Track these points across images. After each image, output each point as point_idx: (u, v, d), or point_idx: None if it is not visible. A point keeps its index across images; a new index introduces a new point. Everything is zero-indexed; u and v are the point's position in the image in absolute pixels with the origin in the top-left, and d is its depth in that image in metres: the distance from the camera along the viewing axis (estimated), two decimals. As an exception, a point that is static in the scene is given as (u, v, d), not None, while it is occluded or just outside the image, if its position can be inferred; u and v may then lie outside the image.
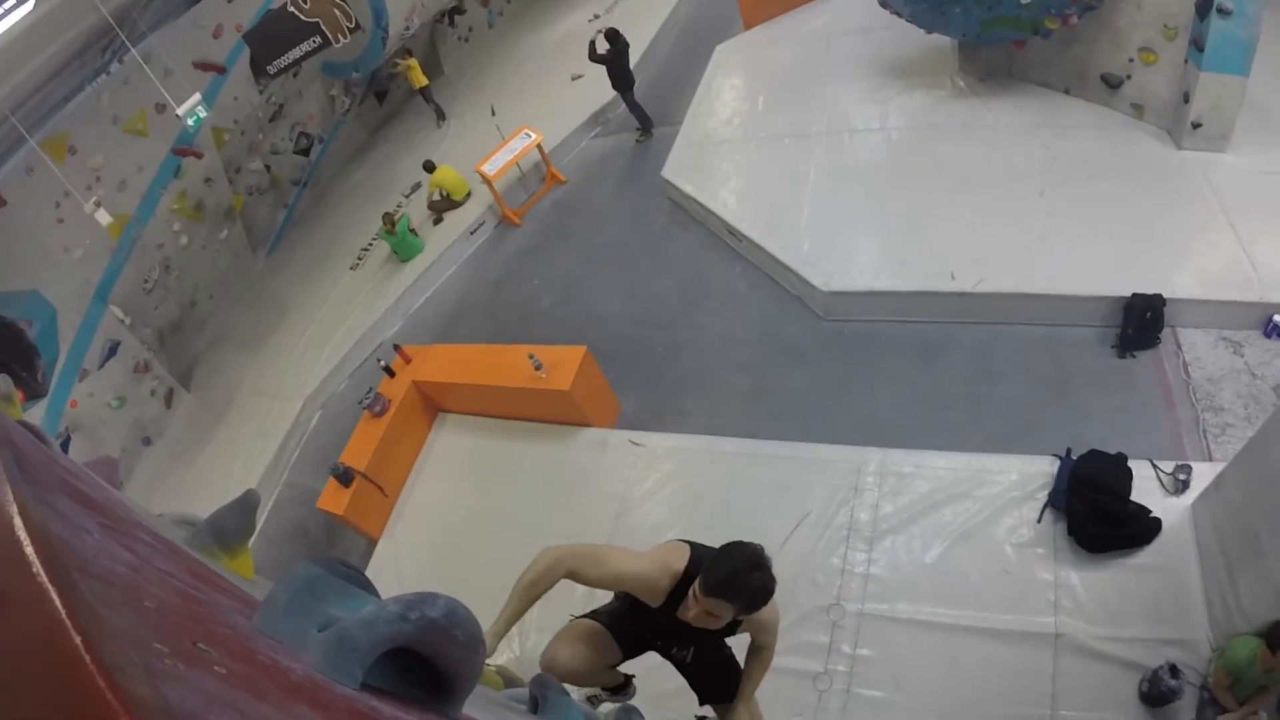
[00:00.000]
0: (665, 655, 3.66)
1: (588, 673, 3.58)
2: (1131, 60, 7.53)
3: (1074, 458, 4.92)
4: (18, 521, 0.77)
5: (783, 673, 4.63)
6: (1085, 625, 4.14)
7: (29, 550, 0.72)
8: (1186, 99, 7.05)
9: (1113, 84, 7.83)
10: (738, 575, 2.99)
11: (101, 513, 1.17)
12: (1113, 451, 4.84)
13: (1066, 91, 8.44)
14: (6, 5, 6.36)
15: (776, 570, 5.11)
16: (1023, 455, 5.23)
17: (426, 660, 1.23)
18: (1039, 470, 5.04)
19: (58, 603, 0.65)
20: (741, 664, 3.70)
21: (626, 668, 3.81)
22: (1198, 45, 6.70)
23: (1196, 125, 7.08)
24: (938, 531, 4.98)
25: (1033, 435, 5.53)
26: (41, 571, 0.69)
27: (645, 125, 12.85)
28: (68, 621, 0.62)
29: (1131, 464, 4.72)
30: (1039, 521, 4.75)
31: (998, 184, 7.69)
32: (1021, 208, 7.30)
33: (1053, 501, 4.79)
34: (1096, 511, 4.51)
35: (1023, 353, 6.37)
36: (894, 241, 7.66)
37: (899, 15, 8.95)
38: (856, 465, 5.64)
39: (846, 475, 5.60)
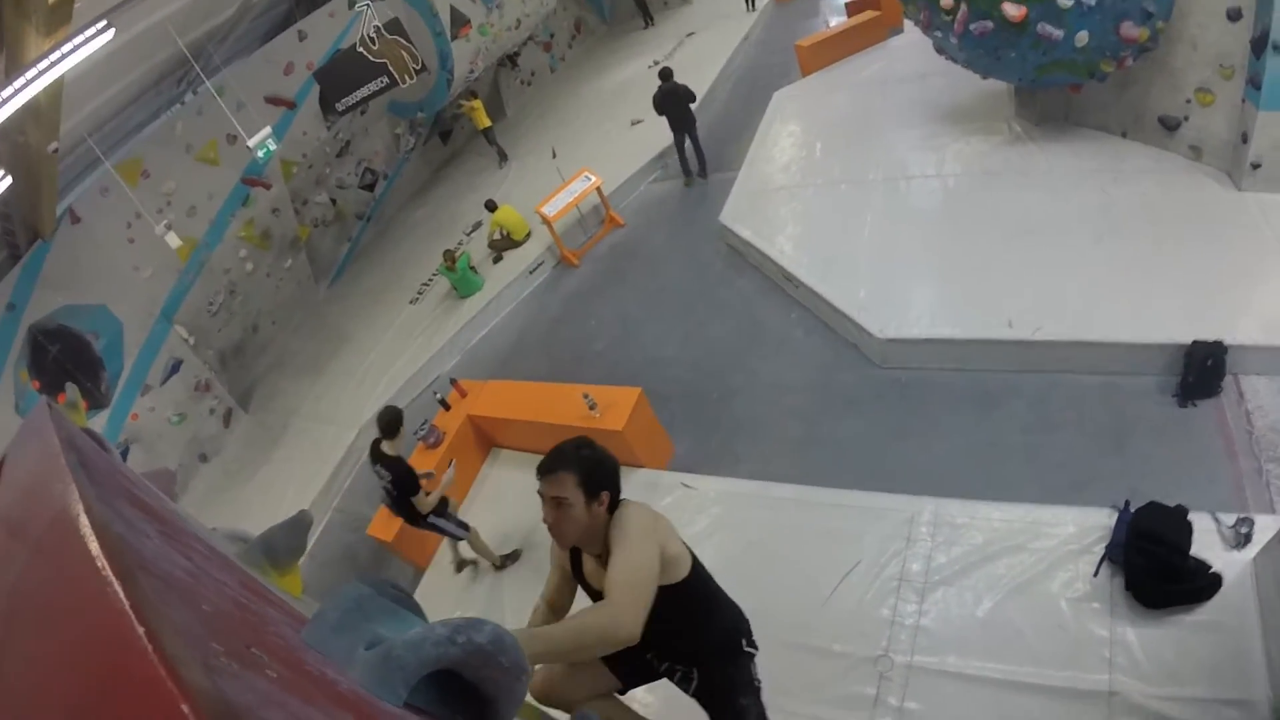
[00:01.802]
0: (671, 679, 3.64)
1: (581, 701, 3.58)
2: (1188, 101, 7.45)
3: (1132, 510, 4.80)
4: (83, 519, 0.84)
5: (828, 724, 4.62)
6: (1141, 684, 4.02)
7: (94, 546, 0.78)
8: (1245, 139, 6.94)
9: (1170, 126, 7.75)
10: (562, 448, 3.11)
11: (160, 520, 1.25)
12: (1172, 504, 4.71)
13: (1123, 135, 8.37)
14: (88, 34, 6.66)
15: (824, 619, 5.11)
16: (1080, 507, 5.11)
17: (469, 685, 1.28)
18: (1096, 523, 4.93)
19: (121, 595, 0.69)
20: (754, 700, 3.66)
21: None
22: (1254, 84, 6.60)
23: (1256, 166, 6.96)
24: (991, 584, 4.89)
25: (1090, 487, 5.42)
26: (106, 566, 0.74)
27: (686, 171, 12.98)
28: (131, 613, 0.66)
29: (1191, 517, 4.58)
30: (1095, 575, 4.64)
31: (1055, 230, 7.62)
32: (1079, 254, 7.22)
33: (1110, 555, 4.67)
34: (1155, 566, 4.40)
35: (1081, 402, 6.27)
36: (951, 289, 7.62)
37: (954, 61, 8.97)
38: (910, 515, 5.58)
39: (899, 525, 5.54)
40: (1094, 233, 7.39)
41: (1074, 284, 6.92)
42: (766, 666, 4.86)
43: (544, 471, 3.07)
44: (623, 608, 2.69)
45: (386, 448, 6.52)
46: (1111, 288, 6.73)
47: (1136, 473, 5.43)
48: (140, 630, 0.63)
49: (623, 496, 3.18)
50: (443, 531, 6.99)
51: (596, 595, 3.24)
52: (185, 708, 0.55)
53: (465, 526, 7.06)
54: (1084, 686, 4.15)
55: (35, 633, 0.84)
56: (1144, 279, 6.67)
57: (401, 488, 6.50)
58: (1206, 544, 4.50)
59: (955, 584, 5.00)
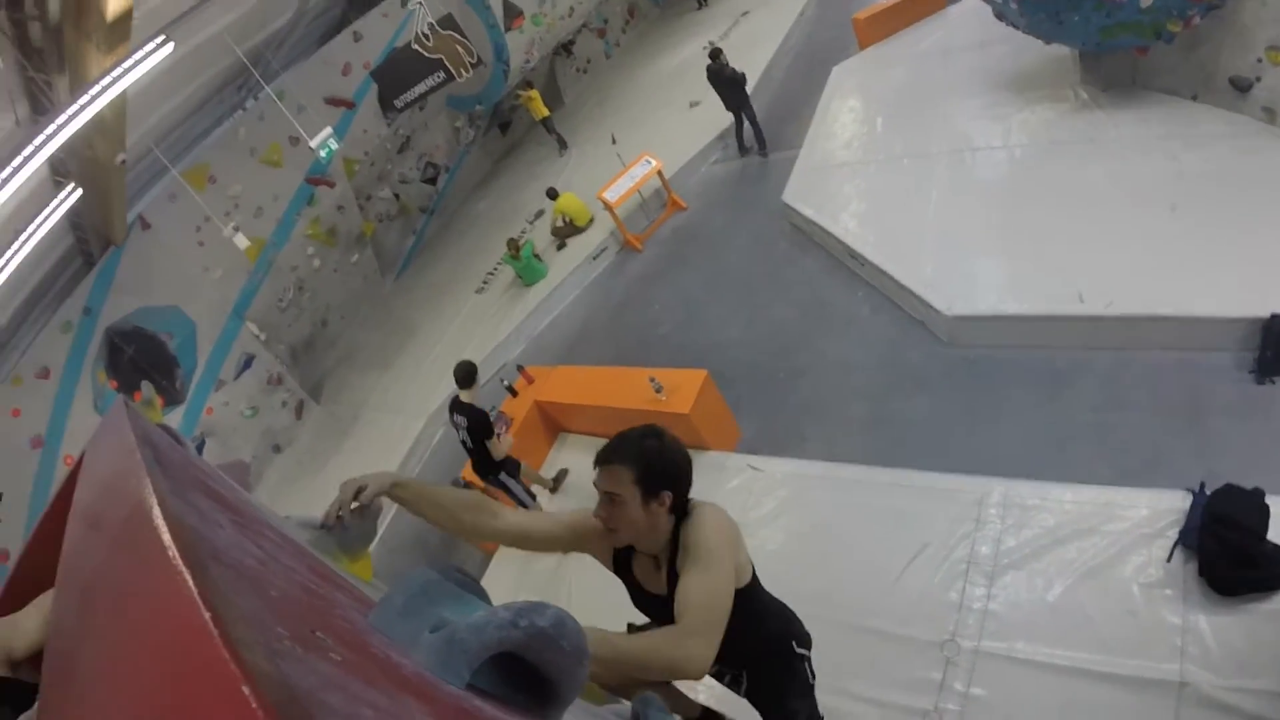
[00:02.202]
0: (720, 681, 3.48)
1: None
2: (1259, 61, 7.15)
3: (1208, 493, 4.71)
4: (156, 511, 0.87)
5: (891, 708, 4.64)
6: (1211, 675, 3.93)
7: (166, 537, 0.81)
8: (1320, 99, 6.68)
9: (1241, 87, 7.47)
10: (625, 436, 2.79)
11: (232, 510, 1.28)
12: (1249, 486, 4.61)
13: (1194, 98, 8.09)
14: (147, 48, 6.87)
15: (891, 602, 5.09)
16: (1153, 489, 4.99)
17: (532, 668, 1.29)
18: (1170, 506, 4.81)
19: (191, 584, 0.71)
20: (802, 703, 3.55)
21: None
22: (1327, 38, 6.36)
23: (1332, 127, 6.70)
24: (1061, 568, 4.82)
25: (1164, 468, 5.30)
26: (177, 556, 0.77)
27: (741, 148, 13.08)
28: (199, 600, 0.68)
29: (1269, 500, 4.45)
30: (1169, 560, 4.54)
31: (1125, 200, 7.42)
32: (1151, 225, 7.02)
33: (1183, 539, 4.57)
34: (1230, 551, 4.30)
35: (1154, 379, 6.11)
36: (1019, 263, 7.47)
37: (1015, 27, 8.79)
38: (978, 496, 5.52)
39: (968, 506, 5.49)
40: (1165, 202, 7.16)
41: (1146, 256, 6.73)
42: (832, 648, 4.89)
43: (600, 461, 2.79)
44: (698, 642, 2.47)
45: (464, 397, 7.30)
46: (1185, 259, 6.52)
47: (1212, 453, 5.29)
48: (207, 616, 0.66)
49: (693, 496, 2.89)
50: (511, 494, 7.48)
51: (646, 598, 3.03)
52: (246, 689, 0.57)
53: (533, 497, 7.68)
54: (1154, 676, 4.09)
55: (111, 619, 0.88)
56: (1218, 249, 6.45)
57: (477, 433, 7.23)
58: (1285, 528, 4.40)
59: (1024, 568, 4.96)
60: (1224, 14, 7.19)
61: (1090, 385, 6.37)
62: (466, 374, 7.35)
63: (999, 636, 4.67)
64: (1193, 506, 4.67)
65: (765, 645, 3.29)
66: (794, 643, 3.48)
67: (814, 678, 3.61)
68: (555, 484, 8.22)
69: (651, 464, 2.72)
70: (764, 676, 3.42)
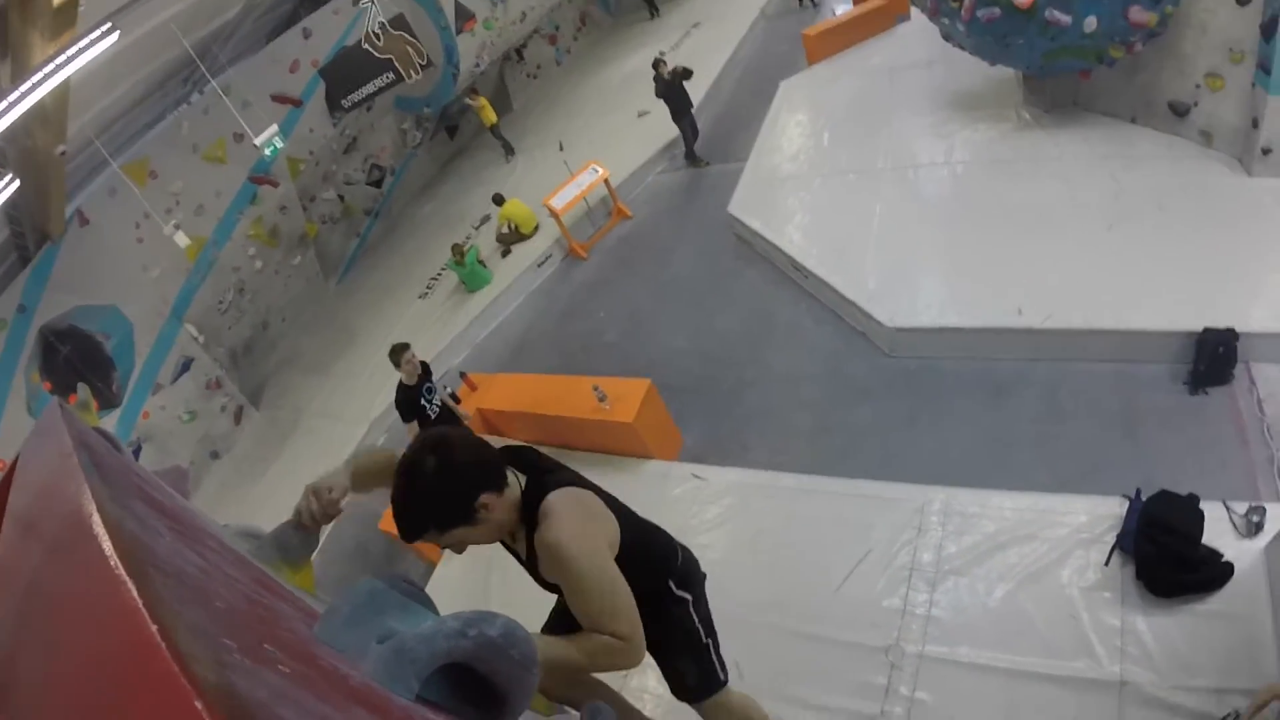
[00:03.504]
0: None
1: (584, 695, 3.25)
2: (1198, 87, 7.41)
3: (1144, 498, 4.80)
4: (96, 518, 0.84)
5: (836, 713, 4.64)
6: (1152, 675, 4.00)
7: (107, 545, 0.78)
8: (1256, 124, 6.91)
9: (1180, 111, 7.71)
10: (398, 509, 2.43)
11: (172, 518, 1.26)
12: (1184, 492, 4.71)
13: (1133, 121, 8.33)
14: (92, 36, 6.69)
15: (835, 609, 5.09)
16: (1091, 496, 5.09)
17: (480, 679, 1.29)
18: (1108, 511, 4.90)
19: (134, 593, 0.69)
20: (689, 661, 3.31)
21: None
22: (1265, 68, 6.58)
23: (1267, 151, 6.93)
24: (1002, 574, 4.87)
25: (1102, 475, 5.41)
26: (119, 565, 0.74)
27: (691, 157, 13.24)
28: (144, 611, 0.66)
29: (1203, 505, 4.56)
30: (1106, 564, 4.62)
31: (1065, 217, 7.61)
32: (1090, 241, 7.20)
33: (1121, 544, 4.65)
34: (1166, 555, 4.38)
35: (1092, 390, 6.25)
36: (961, 277, 7.61)
37: (962, 48, 8.94)
38: (920, 504, 5.57)
39: (910, 514, 5.53)
40: (1104, 220, 7.36)
41: (1084, 271, 6.91)
42: (777, 655, 4.91)
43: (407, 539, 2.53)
44: (625, 637, 2.52)
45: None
46: (1122, 275, 6.71)
47: (1148, 461, 5.42)
48: (153, 627, 0.64)
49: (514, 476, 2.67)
50: None
51: (517, 556, 2.89)
52: (199, 704, 0.55)
53: None
54: (1095, 676, 4.14)
55: (50, 630, 0.85)
56: (1155, 266, 6.65)
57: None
58: (1218, 532, 4.49)
59: (966, 573, 5.00)
60: (1165, 41, 7.42)
61: (1030, 396, 6.48)
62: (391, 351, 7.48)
63: (942, 641, 4.69)
64: (1129, 512, 4.76)
65: (639, 587, 2.79)
66: (671, 582, 3.19)
67: (707, 628, 3.32)
68: None
69: (430, 513, 2.45)
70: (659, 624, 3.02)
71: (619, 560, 2.70)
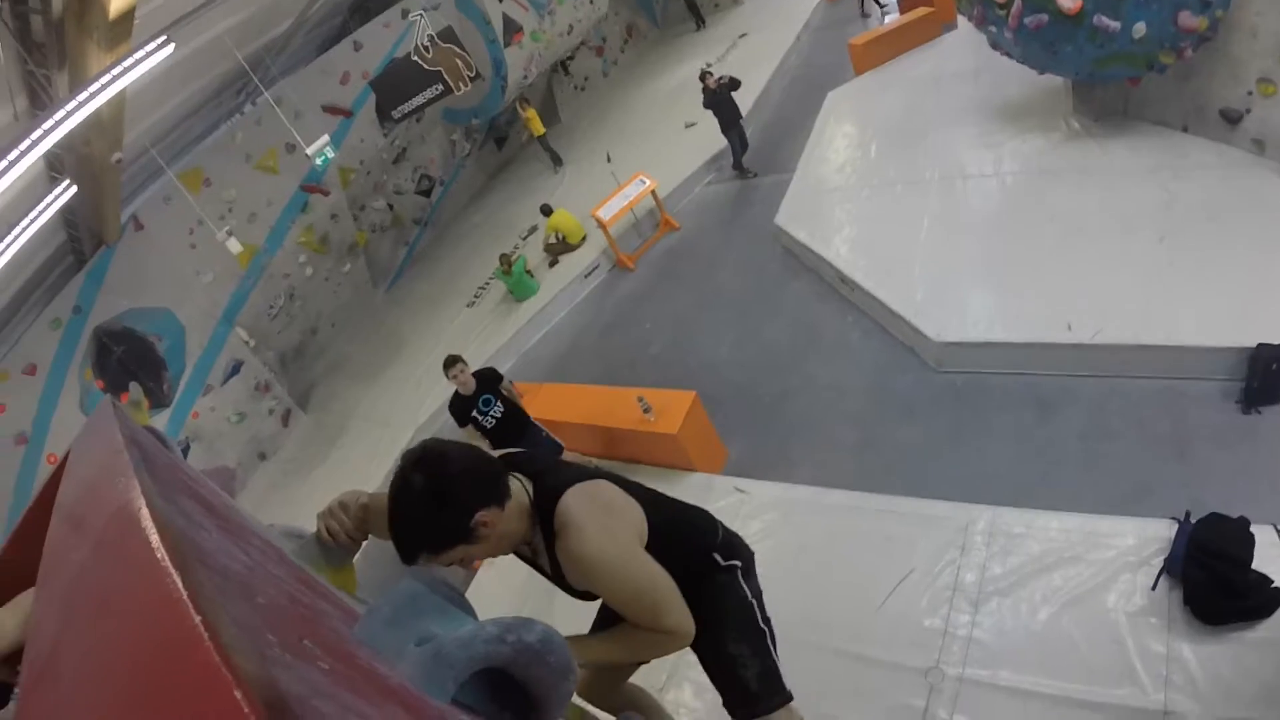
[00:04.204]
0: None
1: (623, 703, 3.33)
2: (1250, 93, 7.22)
3: (1193, 521, 4.71)
4: (144, 513, 0.86)
5: (876, 737, 4.60)
6: (1196, 705, 3.91)
7: (154, 538, 0.80)
8: (1309, 131, 6.74)
9: (1232, 119, 7.53)
10: (393, 528, 2.26)
11: (218, 516, 1.29)
12: (1234, 515, 4.61)
13: (1184, 129, 8.16)
14: (148, 48, 6.87)
15: (875, 628, 5.05)
16: (1139, 518, 4.99)
17: (516, 685, 1.30)
18: (1156, 534, 4.81)
19: (180, 586, 0.70)
20: (746, 647, 3.05)
21: None
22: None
23: (1320, 160, 6.76)
24: (1047, 596, 4.81)
25: (1150, 496, 5.30)
26: (166, 558, 0.76)
27: (740, 169, 13.18)
28: (189, 603, 0.67)
29: (1254, 529, 4.46)
30: (1153, 589, 4.53)
31: (1115, 229, 7.47)
32: (1140, 254, 7.06)
33: (1168, 568, 4.56)
34: (1214, 580, 4.30)
35: (1141, 408, 6.12)
36: (1009, 291, 7.50)
37: (1010, 56, 8.83)
38: (965, 523, 5.51)
39: (954, 533, 5.48)
40: (1155, 232, 7.21)
41: (1134, 285, 6.77)
42: (817, 673, 4.87)
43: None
44: (674, 629, 2.55)
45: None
46: (1173, 289, 6.57)
47: (1198, 482, 5.29)
48: (196, 618, 0.65)
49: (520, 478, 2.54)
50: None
51: (540, 570, 2.77)
52: (238, 694, 0.56)
53: None
54: (1139, 704, 4.06)
55: (95, 621, 0.87)
56: (1207, 279, 6.49)
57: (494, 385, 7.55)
58: (1269, 558, 4.38)
59: (1010, 595, 4.94)
60: (1215, 46, 7.25)
61: (1078, 413, 6.37)
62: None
63: (983, 664, 4.64)
64: (1178, 535, 4.67)
65: (681, 567, 2.71)
66: (716, 555, 3.03)
67: (762, 610, 3.12)
68: None
69: (426, 541, 2.27)
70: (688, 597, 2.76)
71: (653, 546, 2.62)
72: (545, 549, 2.55)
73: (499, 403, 7.44)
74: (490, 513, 2.30)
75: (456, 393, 7.45)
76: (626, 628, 2.62)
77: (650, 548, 2.62)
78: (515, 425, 7.50)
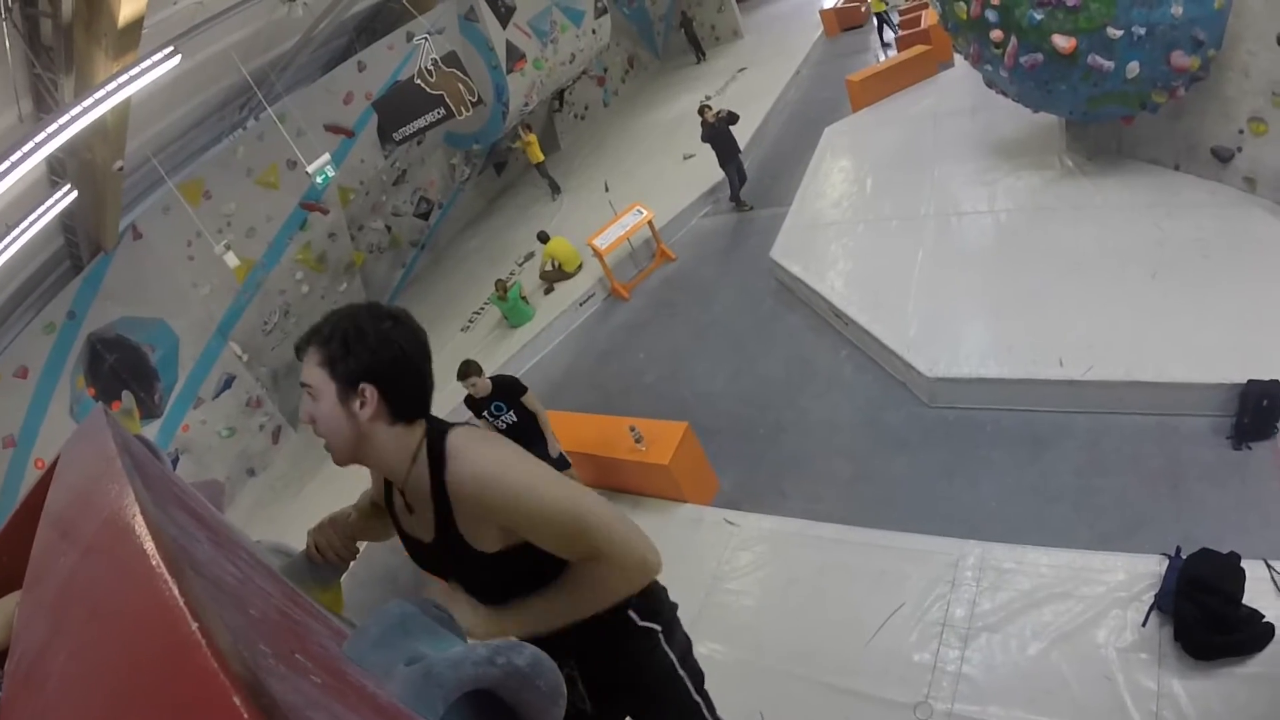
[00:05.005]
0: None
1: None
2: (1241, 132, 7.32)
3: (1184, 557, 4.70)
4: (139, 519, 0.86)
5: (865, 773, 4.55)
6: (1186, 741, 3.94)
7: (149, 545, 0.80)
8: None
9: (1223, 157, 7.62)
10: (330, 314, 2.08)
11: (208, 528, 1.28)
12: (1225, 550, 4.61)
13: (1176, 168, 8.25)
14: (155, 58, 6.92)
15: (865, 662, 5.02)
16: (1130, 554, 4.99)
17: (505, 708, 1.29)
18: (1147, 570, 4.80)
19: (176, 591, 0.70)
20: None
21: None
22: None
23: (1310, 197, 6.83)
24: (1037, 632, 4.79)
25: (1142, 532, 5.30)
26: (161, 564, 0.75)
27: (737, 201, 13.25)
28: (185, 609, 0.67)
29: (1244, 564, 4.46)
30: (1144, 625, 4.52)
31: (1108, 266, 7.53)
32: (1133, 291, 7.12)
33: (1159, 604, 4.55)
34: (1205, 615, 4.29)
35: (1133, 444, 6.13)
36: (1002, 327, 7.53)
37: (1005, 94, 8.95)
38: (955, 558, 5.50)
39: (944, 568, 5.46)
40: (1147, 268, 7.27)
41: (1127, 321, 6.82)
42: (805, 707, 4.84)
43: (298, 351, 2.10)
44: (620, 542, 2.01)
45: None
46: (1165, 325, 6.61)
47: (1189, 518, 5.30)
48: (194, 625, 0.65)
49: (461, 428, 2.15)
50: None
51: (410, 543, 2.32)
52: (237, 700, 0.56)
53: None
54: (1129, 742, 4.05)
55: (85, 626, 0.87)
56: (1198, 316, 6.54)
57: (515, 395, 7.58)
58: (1259, 592, 4.39)
59: (1000, 630, 4.92)
60: (1207, 85, 7.36)
61: (1070, 448, 6.38)
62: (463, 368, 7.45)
63: (972, 700, 4.61)
64: (1169, 570, 4.67)
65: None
66: (630, 612, 2.40)
67: (695, 678, 2.58)
68: None
69: (348, 344, 2.00)
70: (598, 667, 2.38)
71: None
72: (431, 492, 2.08)
73: (511, 412, 7.47)
74: (380, 398, 2.02)
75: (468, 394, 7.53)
76: (564, 578, 2.09)
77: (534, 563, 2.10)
78: (523, 438, 7.40)
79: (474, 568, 2.12)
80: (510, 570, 2.09)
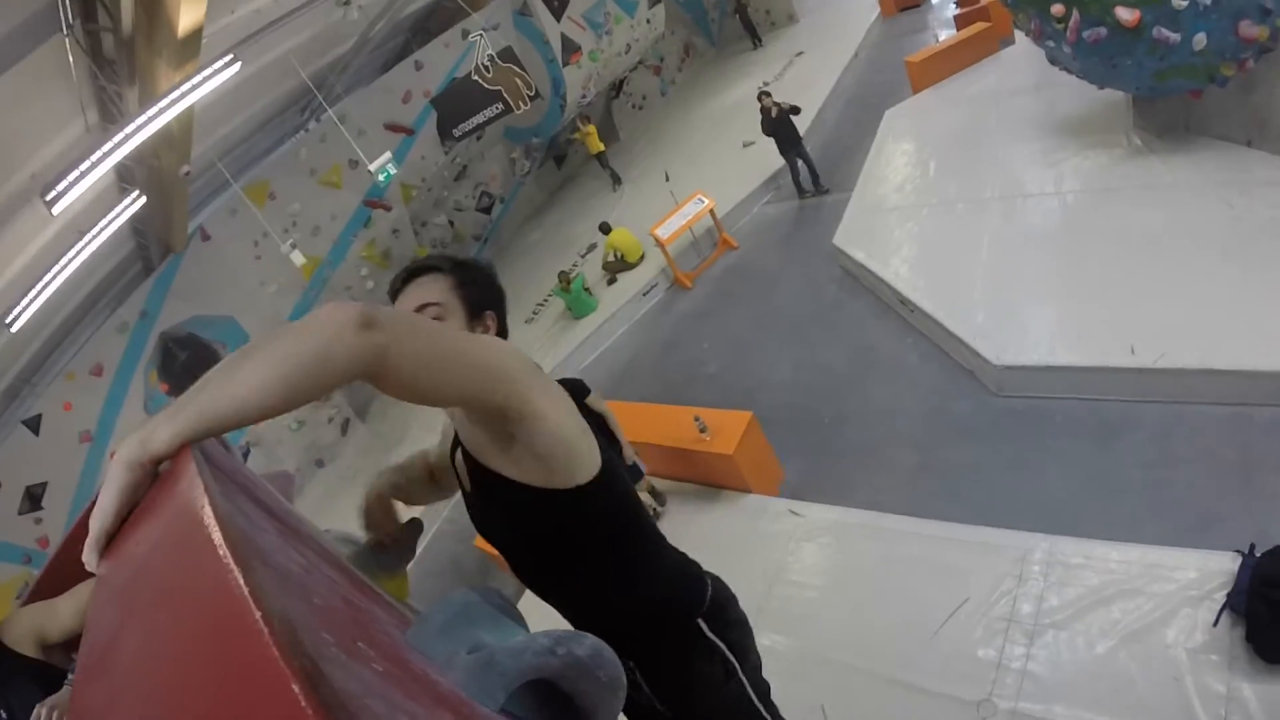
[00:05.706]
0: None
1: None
2: (1314, 105, 7.05)
3: (1258, 554, 4.58)
4: (207, 510, 0.89)
5: (925, 771, 4.54)
6: (1256, 747, 3.86)
7: (217, 535, 0.83)
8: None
9: (1296, 132, 7.35)
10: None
11: (277, 519, 1.31)
12: (1302, 548, 4.50)
13: (1248, 144, 7.94)
14: (215, 66, 7.14)
15: (928, 657, 5.00)
16: (1202, 550, 4.85)
17: (565, 698, 1.31)
18: (1219, 567, 4.67)
19: (241, 581, 0.73)
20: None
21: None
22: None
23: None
24: (1104, 630, 4.70)
25: (1214, 527, 5.16)
26: (228, 554, 0.79)
27: (799, 189, 13.10)
28: (249, 599, 0.70)
29: (1322, 563, 4.37)
30: (1215, 625, 4.41)
31: (1180, 248, 7.31)
32: (1205, 274, 6.89)
33: (1231, 603, 4.43)
34: (1278, 616, 4.21)
35: (1206, 434, 5.96)
36: (1070, 312, 7.38)
37: (1069, 71, 8.71)
38: (1022, 552, 5.42)
39: (1011, 562, 5.39)
40: (1221, 250, 7.04)
41: (1200, 306, 6.61)
42: (865, 701, 4.84)
43: (405, 279, 2.17)
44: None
45: None
46: (1240, 310, 6.38)
47: (1265, 513, 5.13)
48: (257, 614, 0.68)
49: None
50: None
51: (470, 505, 2.26)
52: (295, 688, 0.59)
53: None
54: (1196, 747, 3.98)
55: (154, 613, 0.91)
56: (1275, 300, 6.30)
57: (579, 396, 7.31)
58: (1337, 593, 4.26)
59: (1066, 628, 4.85)
60: (1277, 57, 7.07)
61: (1140, 439, 6.24)
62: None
63: (1037, 698, 4.57)
64: (1242, 568, 4.54)
65: (648, 594, 2.14)
66: (699, 616, 2.23)
67: (762, 697, 2.36)
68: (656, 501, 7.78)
69: (472, 273, 2.11)
70: (659, 662, 2.20)
71: (593, 496, 1.97)
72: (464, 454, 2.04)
73: None
74: (494, 323, 2.19)
75: None
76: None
77: (615, 514, 2.07)
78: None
79: (514, 508, 1.99)
80: (550, 504, 1.93)
